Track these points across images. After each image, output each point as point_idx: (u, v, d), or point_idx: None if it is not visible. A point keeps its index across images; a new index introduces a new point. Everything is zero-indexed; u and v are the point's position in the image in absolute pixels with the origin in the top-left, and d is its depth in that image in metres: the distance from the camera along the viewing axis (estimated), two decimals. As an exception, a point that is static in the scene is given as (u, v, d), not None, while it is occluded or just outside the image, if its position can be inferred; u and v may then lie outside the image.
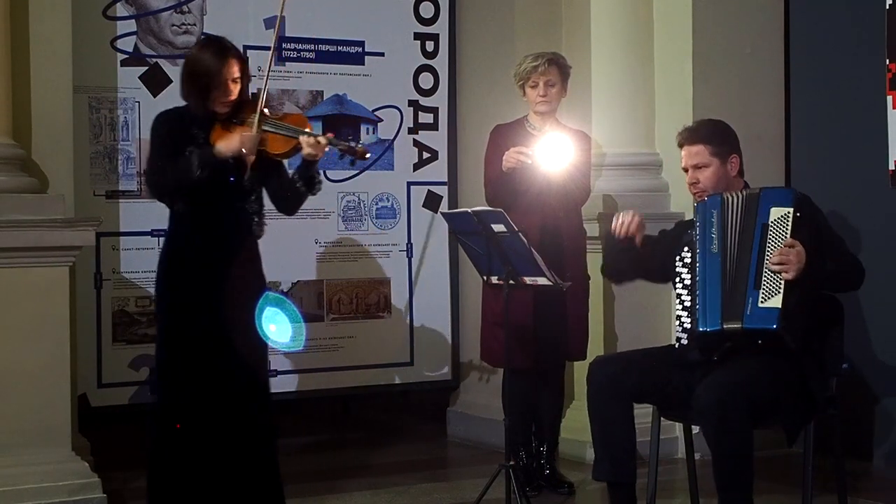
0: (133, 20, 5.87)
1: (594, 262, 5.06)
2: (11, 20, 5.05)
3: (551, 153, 5.13)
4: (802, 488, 4.27)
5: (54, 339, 4.94)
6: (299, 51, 6.27)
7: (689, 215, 5.04)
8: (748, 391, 4.01)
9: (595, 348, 5.58)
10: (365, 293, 6.43)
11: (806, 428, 4.21)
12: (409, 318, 6.53)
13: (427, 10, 6.58)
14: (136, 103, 5.82)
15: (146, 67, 5.87)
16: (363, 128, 6.43)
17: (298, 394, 6.34)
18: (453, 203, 6.56)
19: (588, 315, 5.47)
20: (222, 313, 4.40)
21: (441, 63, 6.61)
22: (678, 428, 5.46)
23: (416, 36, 6.55)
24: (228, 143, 4.36)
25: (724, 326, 4.16)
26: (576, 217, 5.42)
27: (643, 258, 4.48)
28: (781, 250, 4.09)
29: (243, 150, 4.34)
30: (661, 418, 4.46)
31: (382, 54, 6.46)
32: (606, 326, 5.96)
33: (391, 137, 6.50)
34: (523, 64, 5.36)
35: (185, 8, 5.98)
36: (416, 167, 6.57)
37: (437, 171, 6.61)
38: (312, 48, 6.31)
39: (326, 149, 4.44)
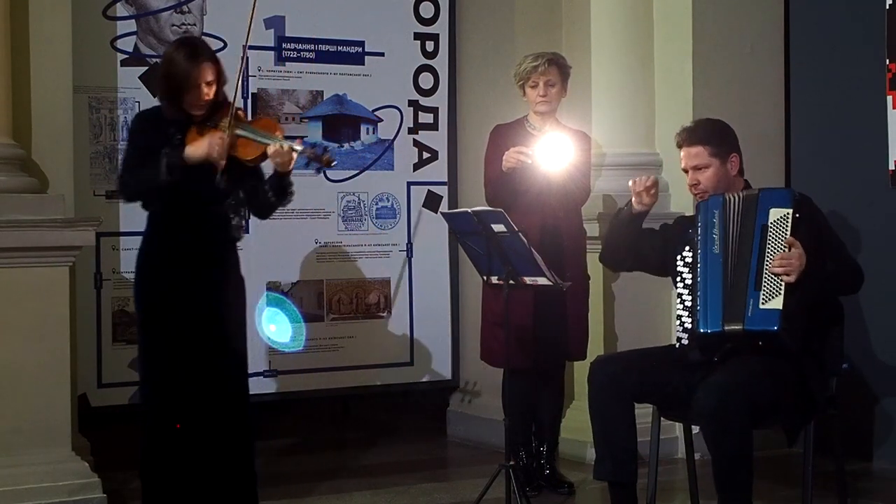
0: (133, 20, 5.87)
1: (594, 262, 5.05)
2: (11, 20, 5.05)
3: (551, 153, 5.13)
4: (802, 488, 4.27)
5: (54, 339, 4.94)
6: (299, 51, 6.27)
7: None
8: (748, 392, 4.01)
9: (595, 348, 5.58)
10: (365, 293, 6.43)
11: (806, 428, 4.22)
12: (408, 318, 6.52)
13: (427, 10, 6.57)
14: (136, 103, 5.81)
15: (146, 67, 5.86)
16: (363, 128, 6.43)
17: (298, 394, 6.34)
18: (453, 203, 6.55)
19: (588, 315, 5.47)
20: (197, 315, 4.39)
21: (441, 63, 6.60)
22: (678, 428, 5.46)
23: (416, 36, 6.54)
24: (197, 148, 4.34)
25: (726, 328, 4.15)
26: (576, 217, 5.42)
27: (642, 245, 4.48)
28: (783, 255, 4.09)
29: (212, 155, 4.33)
30: (661, 418, 4.47)
31: (382, 54, 6.45)
32: (606, 326, 5.96)
33: (391, 137, 6.49)
34: (523, 64, 5.35)
35: (185, 8, 5.97)
36: (416, 167, 6.56)
37: (437, 171, 6.61)
38: (312, 48, 6.31)
39: (294, 156, 4.38)
